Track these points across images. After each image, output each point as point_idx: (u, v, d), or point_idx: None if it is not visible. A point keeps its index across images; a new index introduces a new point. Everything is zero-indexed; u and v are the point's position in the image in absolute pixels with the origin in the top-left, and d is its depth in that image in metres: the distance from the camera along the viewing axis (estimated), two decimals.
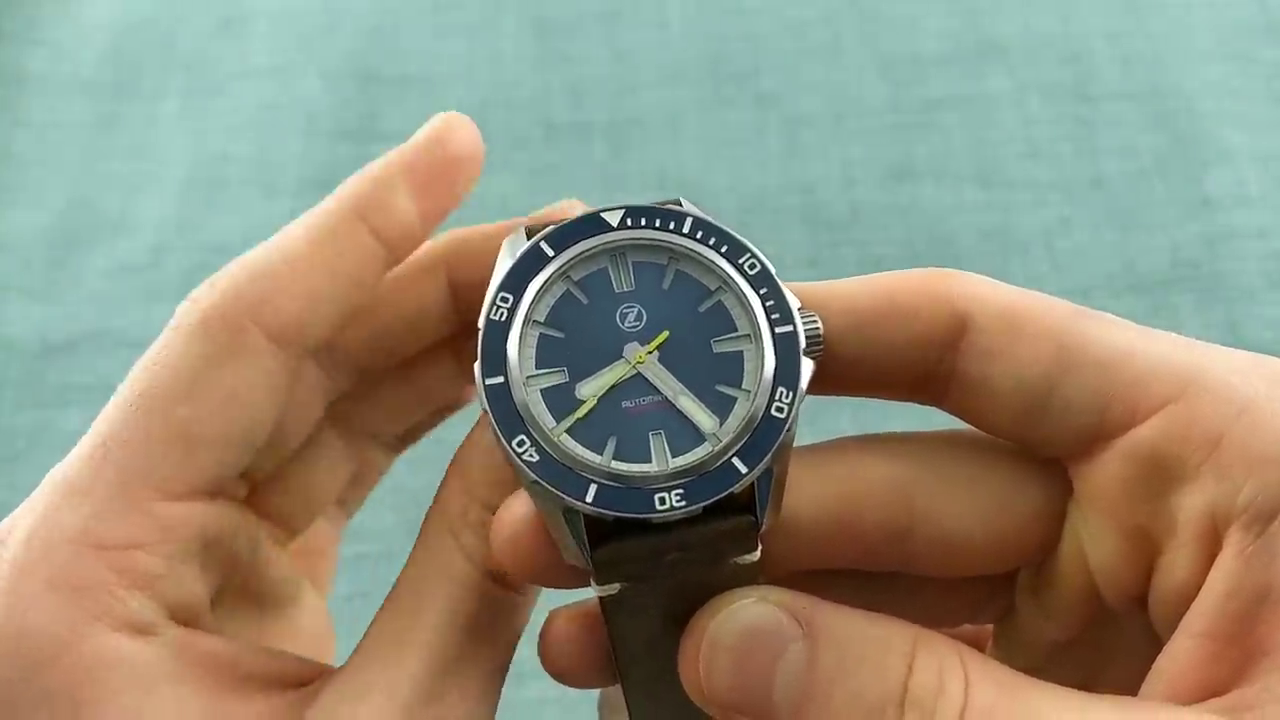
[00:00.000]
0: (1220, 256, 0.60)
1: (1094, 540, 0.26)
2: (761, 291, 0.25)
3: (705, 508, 0.24)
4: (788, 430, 0.24)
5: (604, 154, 0.67)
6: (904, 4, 0.71)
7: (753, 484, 0.24)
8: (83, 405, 0.59)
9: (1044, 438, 0.26)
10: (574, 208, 0.28)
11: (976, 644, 0.30)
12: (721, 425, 0.24)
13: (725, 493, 0.24)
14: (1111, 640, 0.28)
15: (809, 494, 0.26)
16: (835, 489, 0.27)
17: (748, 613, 0.24)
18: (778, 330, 0.24)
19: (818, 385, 0.26)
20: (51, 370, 0.60)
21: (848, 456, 0.27)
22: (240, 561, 0.29)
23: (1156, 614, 0.25)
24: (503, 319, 0.25)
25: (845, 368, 0.26)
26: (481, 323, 0.25)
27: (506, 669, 0.27)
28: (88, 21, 0.73)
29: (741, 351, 0.25)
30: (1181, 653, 0.24)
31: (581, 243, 0.25)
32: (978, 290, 0.26)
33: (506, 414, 0.24)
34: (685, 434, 0.24)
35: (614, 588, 0.25)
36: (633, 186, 0.65)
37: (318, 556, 0.34)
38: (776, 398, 0.24)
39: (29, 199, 0.66)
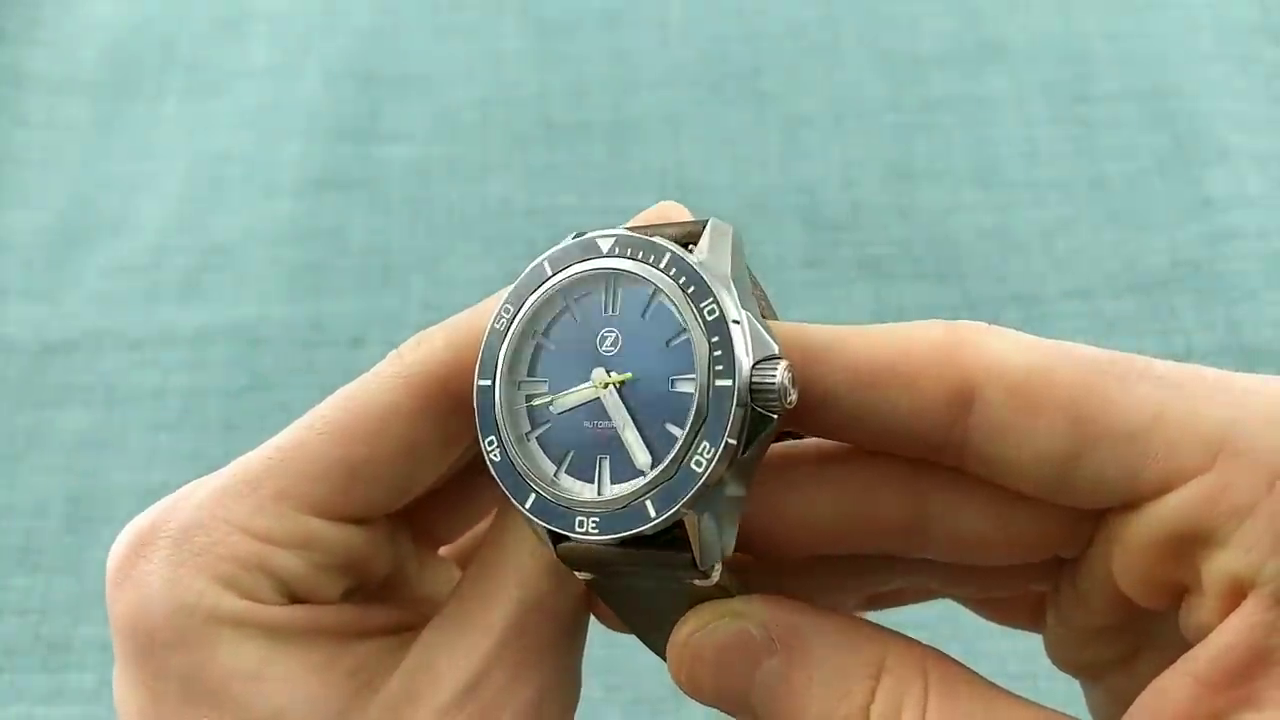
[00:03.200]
0: (1220, 256, 0.60)
1: (1123, 576, 0.26)
2: (713, 339, 0.25)
3: (624, 540, 0.25)
4: (703, 485, 0.24)
5: (604, 154, 0.67)
6: (904, 4, 0.71)
7: (682, 525, 0.24)
8: (83, 405, 0.59)
9: (1070, 501, 0.26)
10: (673, 209, 0.28)
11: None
12: (652, 464, 0.25)
13: (632, 532, 0.25)
14: (1153, 623, 0.28)
15: (822, 486, 0.27)
16: (849, 481, 0.27)
17: (721, 632, 0.26)
18: (717, 383, 0.24)
19: (822, 434, 0.27)
20: (51, 370, 0.60)
21: (859, 453, 0.27)
22: (378, 575, 0.31)
23: (1185, 633, 0.26)
24: (502, 327, 0.27)
25: (847, 423, 0.26)
26: (486, 329, 0.27)
27: (588, 606, 0.30)
28: (88, 21, 0.73)
29: (691, 395, 0.25)
30: (1173, 687, 0.24)
31: (576, 265, 0.27)
32: (984, 360, 0.25)
33: (486, 415, 0.26)
34: (624, 465, 0.25)
35: (587, 575, 0.27)
36: (633, 186, 0.65)
37: None
38: (699, 451, 0.24)
39: (29, 199, 0.66)
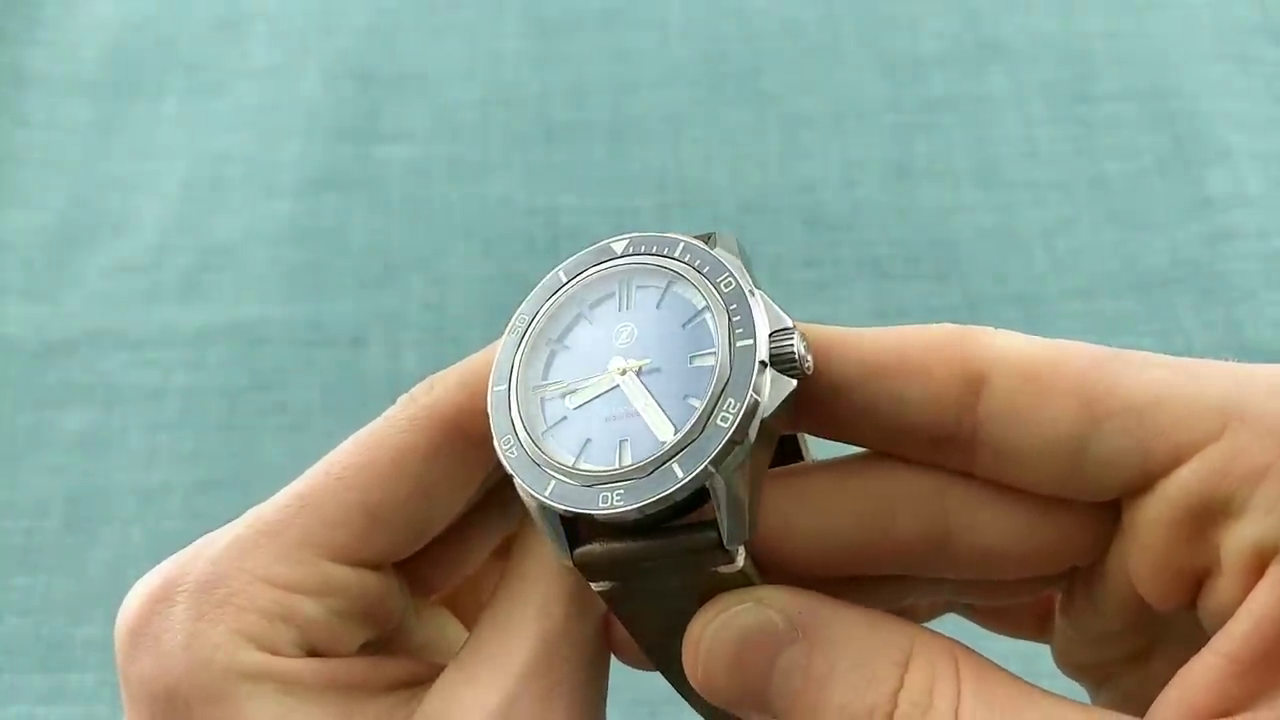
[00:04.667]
0: (1220, 256, 0.60)
1: (1139, 570, 0.26)
2: (732, 307, 0.25)
3: (649, 515, 0.24)
4: (730, 440, 0.24)
5: (604, 154, 0.67)
6: (904, 4, 0.71)
7: (709, 499, 0.24)
8: (83, 405, 0.59)
9: (1083, 490, 0.26)
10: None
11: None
12: (675, 432, 0.25)
13: (661, 495, 0.24)
14: (1165, 624, 0.28)
15: (839, 504, 0.27)
16: (866, 499, 0.27)
17: (742, 618, 0.25)
18: (738, 344, 0.25)
19: (832, 432, 0.27)
20: (51, 370, 0.60)
21: (880, 466, 0.27)
22: (392, 623, 0.30)
23: (1205, 624, 0.25)
24: (517, 335, 0.27)
25: (858, 418, 0.26)
26: (503, 338, 0.27)
27: (609, 641, 0.29)
28: (88, 21, 0.73)
29: (712, 366, 0.25)
30: (1205, 668, 0.24)
31: (592, 269, 0.27)
32: (994, 350, 0.25)
33: (502, 417, 0.26)
34: (646, 441, 0.25)
35: (605, 584, 0.26)
36: (633, 186, 0.65)
37: None
38: (724, 408, 0.24)
39: (29, 199, 0.66)
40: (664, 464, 0.24)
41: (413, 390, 0.29)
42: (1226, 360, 0.26)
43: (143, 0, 0.74)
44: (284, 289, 0.62)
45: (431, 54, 0.71)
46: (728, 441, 0.24)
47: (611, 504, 0.24)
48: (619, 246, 0.27)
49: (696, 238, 0.27)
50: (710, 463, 0.24)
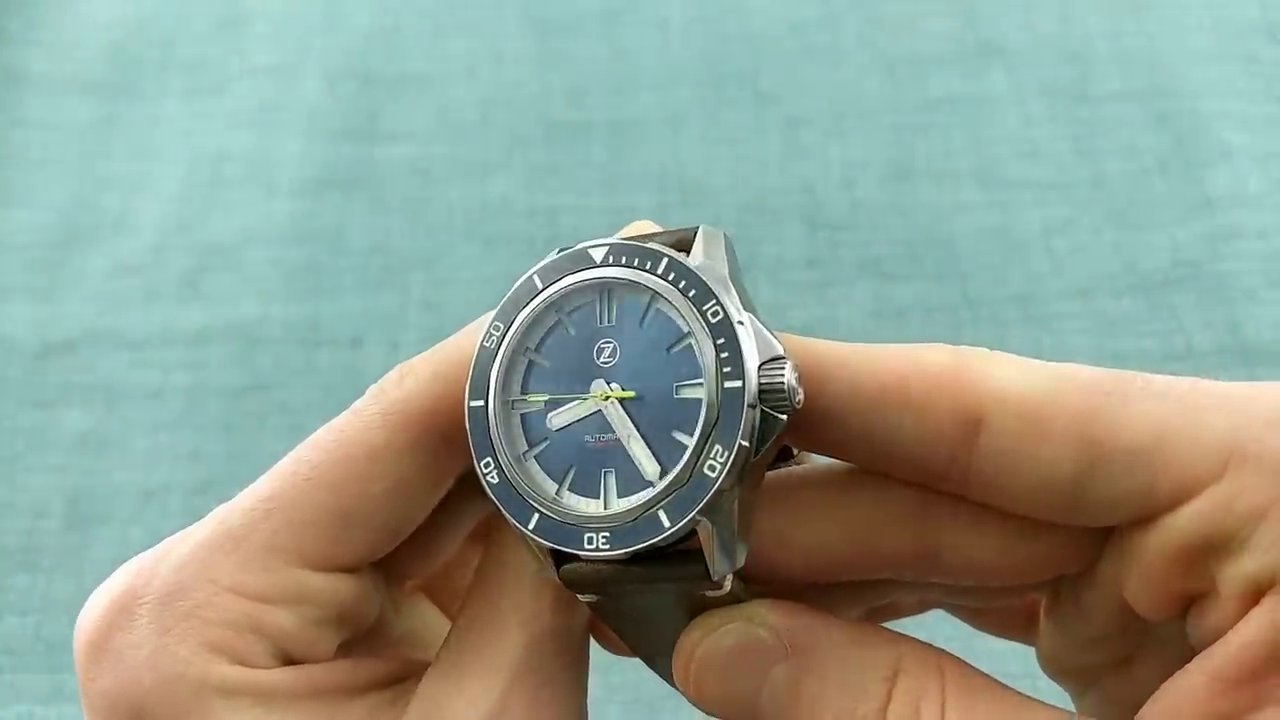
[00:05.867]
0: (1221, 256, 0.60)
1: (1133, 587, 0.26)
2: (719, 341, 0.24)
3: (635, 554, 0.24)
4: (718, 490, 0.24)
5: (604, 154, 0.67)
6: (904, 4, 0.71)
7: (694, 535, 0.24)
8: (83, 405, 0.59)
9: (1079, 521, 0.26)
10: (649, 226, 0.28)
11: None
12: (662, 474, 0.24)
13: (646, 544, 0.24)
14: (1151, 630, 0.28)
15: (830, 518, 0.27)
16: (856, 514, 0.27)
17: (732, 636, 0.25)
18: (726, 385, 0.24)
19: (822, 451, 0.26)
20: (51, 370, 0.60)
21: (871, 481, 0.27)
22: (368, 623, 0.29)
23: (1192, 637, 0.26)
24: (492, 346, 0.26)
25: (850, 442, 0.26)
26: (475, 348, 0.26)
27: (589, 631, 0.29)
28: (88, 21, 0.73)
29: (700, 400, 0.24)
30: (1191, 685, 0.24)
31: (568, 277, 0.26)
32: (991, 386, 0.25)
33: (481, 436, 0.25)
34: (631, 477, 0.25)
35: (590, 597, 0.26)
36: (633, 186, 0.65)
37: None
38: (711, 455, 0.24)
39: (29, 199, 0.66)
40: (650, 510, 0.24)
41: (381, 381, 0.27)
42: (1228, 383, 0.25)
43: (142, 0, 0.74)
44: (284, 289, 0.62)
45: (432, 54, 0.71)
46: (716, 491, 0.24)
47: (596, 546, 0.24)
48: (598, 254, 0.26)
49: (679, 233, 0.26)
50: (698, 512, 0.24)
